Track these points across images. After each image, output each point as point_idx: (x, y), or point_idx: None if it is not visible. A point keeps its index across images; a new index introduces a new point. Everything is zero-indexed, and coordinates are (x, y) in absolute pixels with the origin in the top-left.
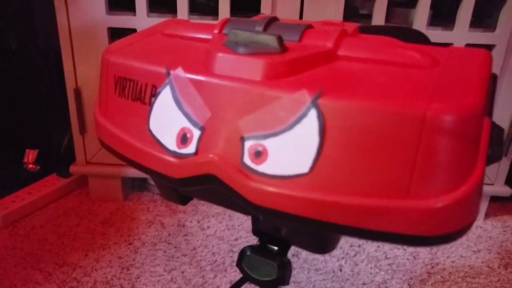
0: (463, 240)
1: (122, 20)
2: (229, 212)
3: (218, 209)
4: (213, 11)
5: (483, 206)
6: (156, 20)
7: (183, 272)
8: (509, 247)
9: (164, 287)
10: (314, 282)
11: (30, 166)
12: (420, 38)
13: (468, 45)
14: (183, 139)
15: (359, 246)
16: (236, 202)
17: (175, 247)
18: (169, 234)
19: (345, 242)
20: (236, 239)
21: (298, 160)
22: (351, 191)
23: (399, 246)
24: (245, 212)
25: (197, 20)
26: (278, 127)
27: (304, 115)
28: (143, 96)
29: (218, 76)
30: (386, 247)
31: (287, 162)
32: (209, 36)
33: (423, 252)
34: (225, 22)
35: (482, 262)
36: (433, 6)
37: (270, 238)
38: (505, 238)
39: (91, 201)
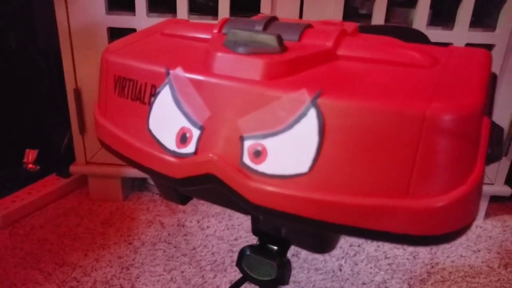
0: (463, 239)
1: (121, 20)
2: (228, 212)
3: (218, 209)
4: (213, 11)
5: (483, 206)
6: (156, 20)
7: (182, 272)
8: (509, 247)
9: (163, 287)
10: (314, 281)
11: (30, 166)
12: (420, 38)
13: (468, 44)
14: (183, 138)
15: (359, 246)
16: (235, 201)
17: (175, 247)
18: (168, 234)
19: (345, 242)
20: (236, 239)
21: (297, 160)
22: (350, 190)
23: (399, 246)
24: (244, 212)
25: (196, 20)
26: (278, 126)
27: (303, 115)
28: (143, 95)
29: (217, 75)
30: (386, 246)
31: (286, 161)
32: (208, 36)
33: (423, 252)
34: (225, 22)
35: (482, 262)
36: (433, 6)
37: (270, 238)
38: (505, 237)
39: (91, 201)
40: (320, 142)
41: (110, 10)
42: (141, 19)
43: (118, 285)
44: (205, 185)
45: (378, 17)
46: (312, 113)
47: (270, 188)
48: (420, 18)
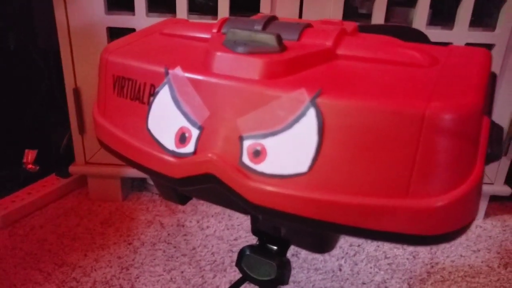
0: (462, 239)
1: (121, 20)
2: (228, 212)
3: (218, 209)
4: (212, 11)
5: (483, 206)
6: (155, 20)
7: (182, 272)
8: (508, 247)
9: (163, 287)
10: (314, 281)
11: (30, 166)
12: (419, 37)
13: (467, 44)
14: (182, 138)
15: (359, 245)
16: (235, 201)
17: (175, 247)
18: (168, 234)
19: (345, 242)
20: (235, 239)
21: (297, 160)
22: (350, 190)
23: (398, 246)
24: (244, 211)
25: (196, 19)
26: (277, 126)
27: (303, 114)
28: (142, 95)
29: (216, 75)
30: (386, 246)
31: (286, 161)
32: (207, 36)
33: (423, 252)
34: (224, 21)
35: (482, 262)
36: (432, 5)
37: (270, 238)
38: (504, 237)
39: (91, 201)
40: (319, 142)
41: (109, 10)
42: (141, 19)
43: (118, 285)
44: (204, 185)
45: (378, 17)
46: (312, 113)
47: (269, 188)
48: (420, 17)
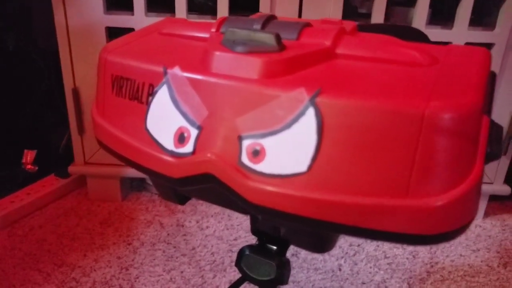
0: (462, 239)
1: (120, 20)
2: (228, 212)
3: (217, 209)
4: (212, 11)
5: (482, 205)
6: (154, 19)
7: (182, 272)
8: (508, 246)
9: (163, 287)
10: (313, 281)
11: (29, 166)
12: (419, 37)
13: (467, 43)
14: (181, 138)
15: (359, 245)
16: (234, 201)
17: (174, 247)
18: (168, 234)
19: (344, 242)
20: (235, 239)
21: (296, 159)
22: (349, 190)
23: (398, 245)
24: (243, 211)
25: (195, 19)
26: (276, 126)
27: (302, 114)
28: (140, 95)
29: (215, 74)
30: (386, 246)
31: (285, 161)
32: (206, 35)
33: (423, 251)
34: (223, 21)
35: (482, 261)
36: (432, 5)
37: (269, 238)
38: (504, 237)
39: (90, 201)
40: (318, 141)
41: (108, 9)
42: (140, 18)
43: (117, 285)
44: (203, 184)
45: (378, 16)
46: (311, 112)
47: (268, 188)
48: (419, 17)
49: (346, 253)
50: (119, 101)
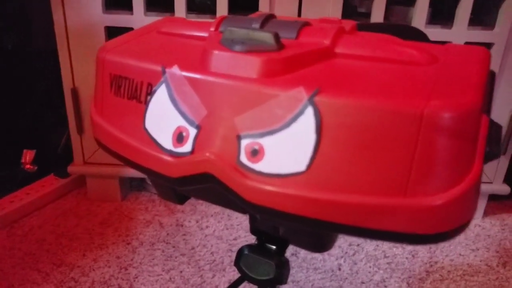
0: (461, 238)
1: (119, 19)
2: (227, 211)
3: (217, 208)
4: (211, 10)
5: (482, 205)
6: (154, 19)
7: (181, 271)
8: (507, 246)
9: (162, 287)
10: (313, 281)
11: (28, 166)
12: (418, 36)
13: (467, 43)
14: (179, 138)
15: (358, 245)
16: (233, 201)
17: (174, 247)
18: (167, 234)
19: (344, 241)
20: (235, 239)
21: (294, 159)
22: (348, 189)
23: (398, 245)
24: (242, 211)
25: (195, 19)
26: (275, 125)
27: (300, 113)
28: (139, 94)
29: (214, 74)
30: (385, 246)
31: (283, 160)
32: (205, 34)
33: (422, 251)
34: (221, 20)
35: (481, 261)
36: (432, 4)
37: (268, 237)
38: (503, 236)
39: (89, 201)
40: (317, 141)
41: (107, 9)
42: (139, 18)
43: (117, 285)
44: (202, 184)
45: (377, 16)
46: (310, 111)
47: (267, 187)
48: (419, 16)
49: (346, 252)
50: (118, 100)
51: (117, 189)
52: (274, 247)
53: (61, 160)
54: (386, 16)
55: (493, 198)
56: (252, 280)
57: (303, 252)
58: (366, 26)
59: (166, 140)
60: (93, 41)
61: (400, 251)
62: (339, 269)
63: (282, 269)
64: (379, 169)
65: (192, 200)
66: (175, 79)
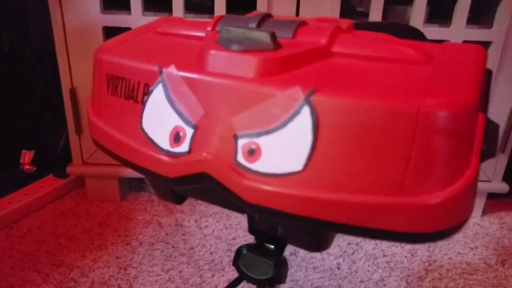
0: (460, 237)
1: (117, 19)
2: (226, 211)
3: (216, 208)
4: (209, 10)
5: (480, 203)
6: (152, 19)
7: (181, 271)
8: (506, 244)
9: (162, 287)
10: (312, 280)
11: (27, 167)
12: (416, 35)
13: (465, 42)
14: (176, 137)
15: (357, 244)
16: (230, 200)
17: (173, 247)
18: (166, 234)
19: (343, 240)
20: (234, 238)
21: (291, 158)
22: (345, 188)
23: (396, 244)
24: (240, 210)
25: (193, 19)
26: (271, 124)
27: (297, 112)
28: (136, 94)
29: (211, 73)
30: (384, 244)
31: (280, 160)
32: (202, 34)
33: (421, 250)
34: (218, 19)
35: (479, 259)
36: (430, 3)
37: (267, 237)
38: (502, 234)
39: (88, 201)
40: (314, 140)
41: (105, 9)
42: (137, 18)
43: (116, 285)
44: (199, 184)
45: (375, 15)
46: (306, 111)
47: (264, 187)
48: (417, 15)
49: (345, 251)
50: (115, 100)
51: (116, 190)
52: (272, 246)
53: (60, 161)
54: (384, 15)
55: (491, 196)
56: (250, 280)
57: (302, 251)
58: (363, 25)
59: (163, 140)
60: (91, 41)
61: (399, 250)
62: (338, 268)
63: (281, 268)
64: (376, 168)
65: (191, 200)
66: (172, 79)
